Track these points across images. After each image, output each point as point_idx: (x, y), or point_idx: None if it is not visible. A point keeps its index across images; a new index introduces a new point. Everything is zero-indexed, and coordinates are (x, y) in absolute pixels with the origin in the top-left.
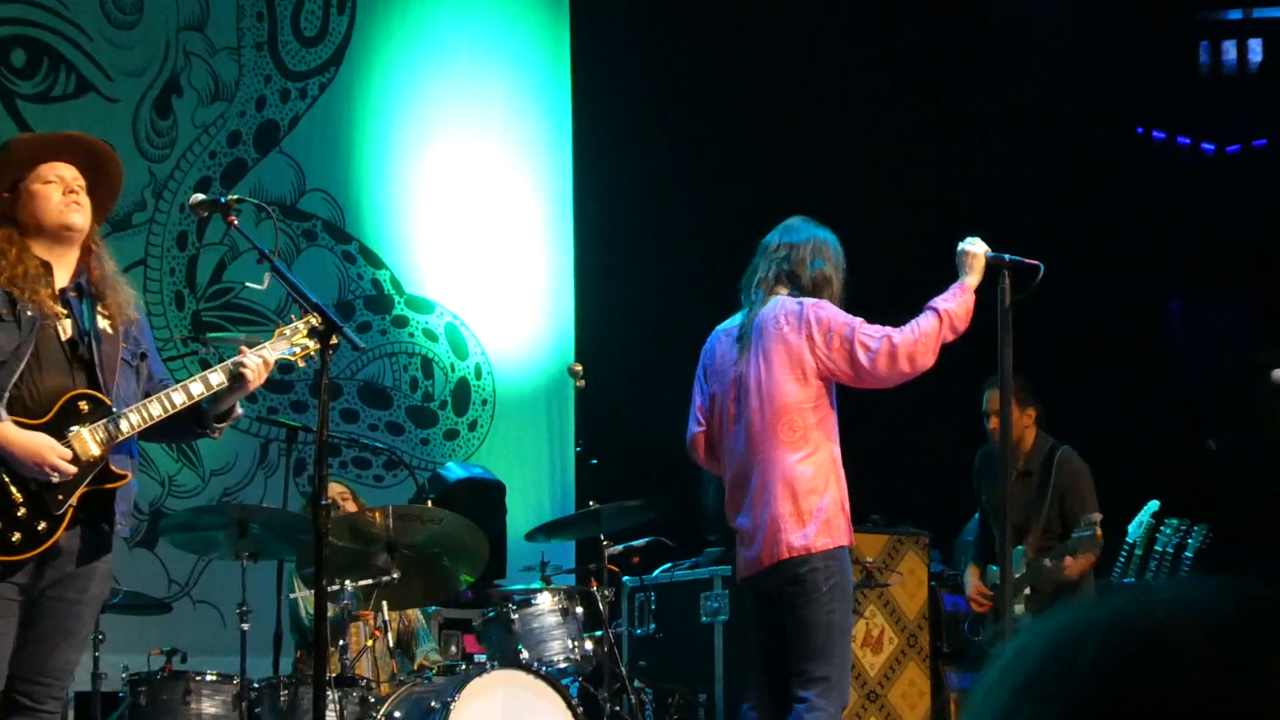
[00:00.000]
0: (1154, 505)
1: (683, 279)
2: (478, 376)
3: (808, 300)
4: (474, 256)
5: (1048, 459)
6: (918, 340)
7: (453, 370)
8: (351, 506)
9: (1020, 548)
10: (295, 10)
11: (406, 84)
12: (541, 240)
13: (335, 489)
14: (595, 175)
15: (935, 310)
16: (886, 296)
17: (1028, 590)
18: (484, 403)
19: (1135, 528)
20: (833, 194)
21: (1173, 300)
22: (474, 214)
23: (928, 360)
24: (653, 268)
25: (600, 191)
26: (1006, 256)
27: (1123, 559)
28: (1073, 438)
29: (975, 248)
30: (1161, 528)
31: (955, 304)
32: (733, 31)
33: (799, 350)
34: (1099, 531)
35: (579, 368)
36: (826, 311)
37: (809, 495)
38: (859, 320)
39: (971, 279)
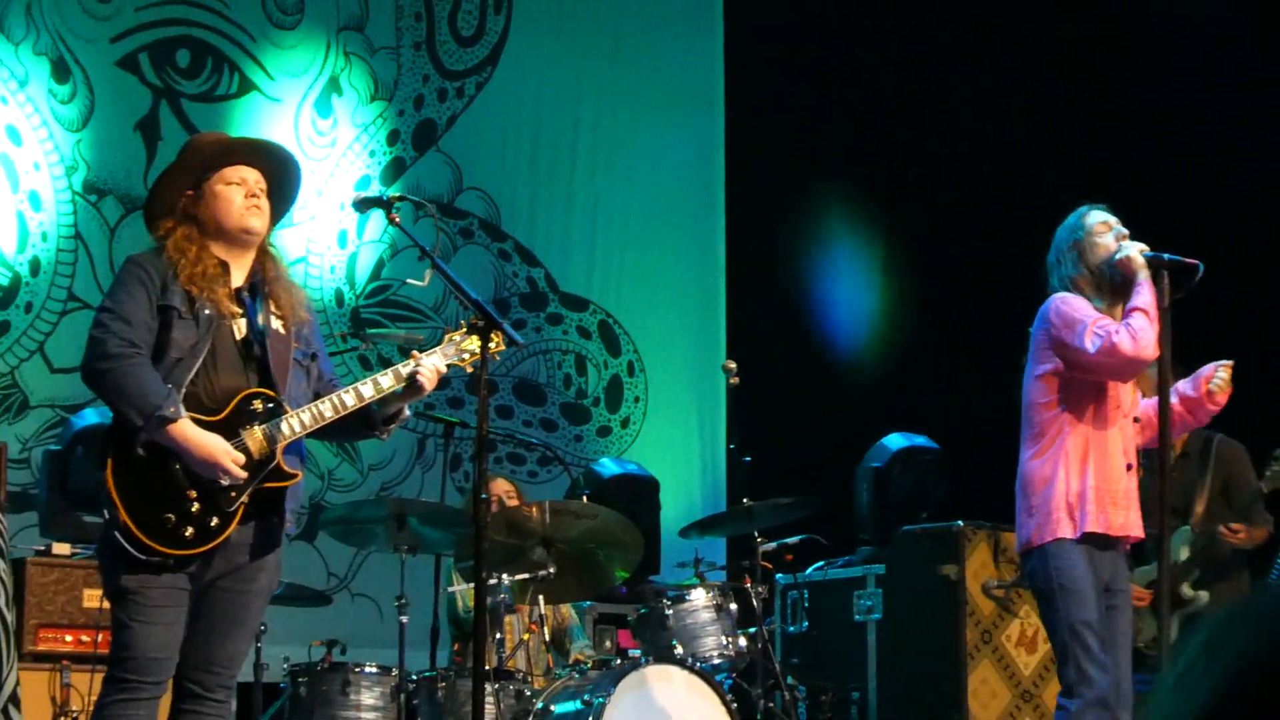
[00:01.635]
0: None
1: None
2: (630, 374)
3: (1057, 295)
4: (626, 254)
5: (1205, 445)
6: (1137, 330)
7: (606, 367)
8: (517, 504)
9: (1184, 528)
10: (453, 10)
11: (561, 83)
12: (693, 236)
13: (501, 486)
14: (746, 169)
15: (1132, 310)
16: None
17: (1196, 573)
18: (636, 400)
19: None
20: (984, 196)
21: None
22: (626, 211)
23: (1147, 342)
24: (804, 265)
25: (751, 186)
26: (1165, 256)
27: (1277, 566)
28: (1228, 431)
29: (1131, 251)
30: None
31: (1146, 295)
32: (883, 29)
33: (1037, 345)
34: None
35: (733, 365)
36: (1065, 306)
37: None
38: (1093, 318)
39: (1143, 276)
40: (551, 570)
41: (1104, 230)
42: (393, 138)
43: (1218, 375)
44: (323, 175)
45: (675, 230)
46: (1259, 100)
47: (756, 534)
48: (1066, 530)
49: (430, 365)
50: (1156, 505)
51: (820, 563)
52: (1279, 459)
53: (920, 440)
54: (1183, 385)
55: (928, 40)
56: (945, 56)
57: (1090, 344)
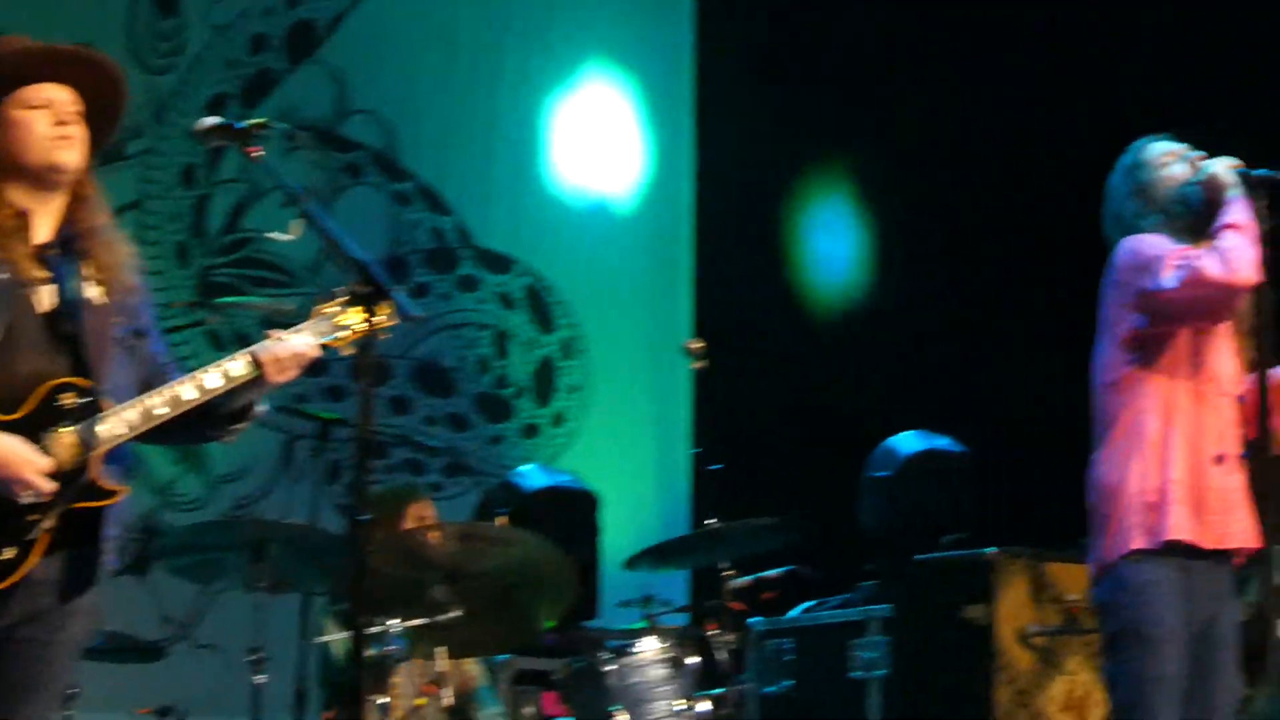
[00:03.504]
0: None
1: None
2: (566, 355)
3: (1126, 239)
4: (564, 199)
5: None
6: (1229, 249)
7: (534, 347)
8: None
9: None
10: None
11: None
12: (652, 184)
13: (421, 509)
14: (724, 97)
15: (1222, 228)
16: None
17: None
18: (573, 390)
19: None
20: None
21: None
22: (566, 148)
23: (1244, 263)
24: (791, 216)
25: (729, 117)
26: (1259, 172)
27: None
28: None
29: (1217, 167)
30: None
31: (1240, 210)
32: None
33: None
34: None
35: (698, 345)
36: (1138, 244)
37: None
38: (1173, 250)
39: (1235, 193)
40: (457, 613)
41: (1170, 159)
42: (258, 43)
43: None
44: (163, 93)
45: (630, 173)
46: None
47: (726, 565)
48: (1141, 539)
49: (294, 345)
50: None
51: (809, 602)
52: None
53: (941, 442)
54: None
55: None
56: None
57: (1170, 279)
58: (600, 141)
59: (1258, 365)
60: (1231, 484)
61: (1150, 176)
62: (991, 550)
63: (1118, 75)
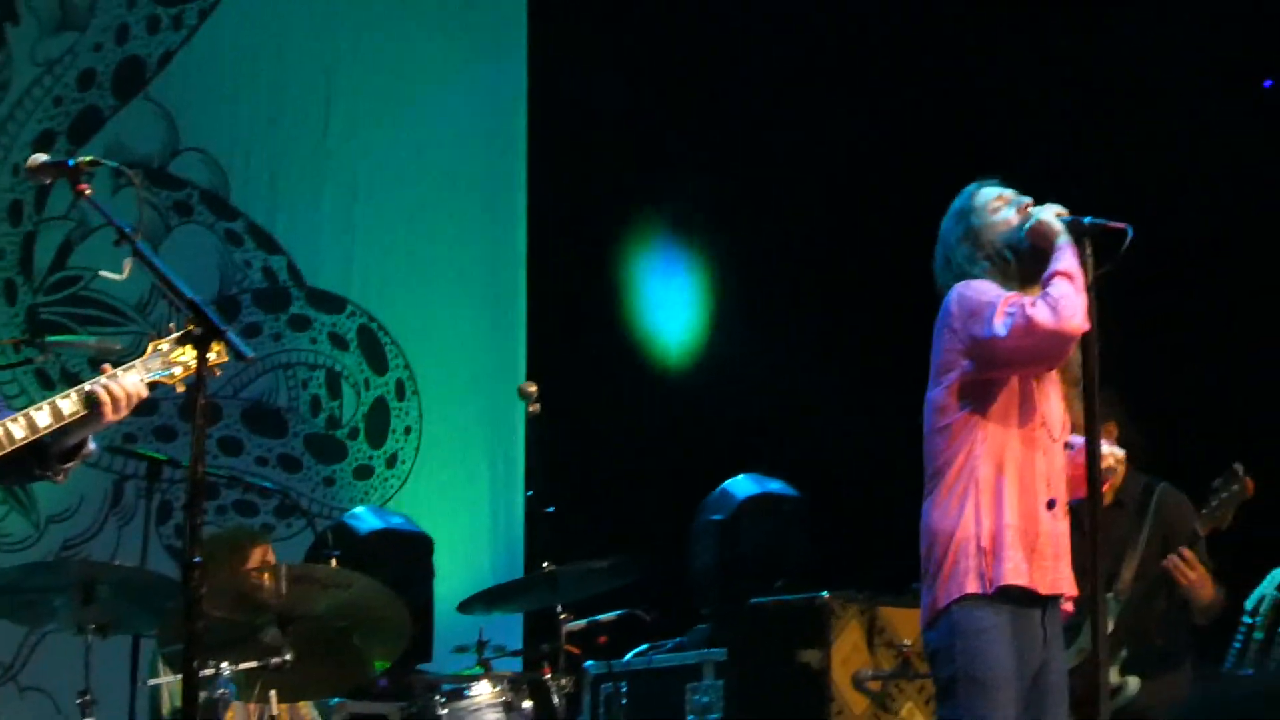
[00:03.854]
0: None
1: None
2: (400, 397)
3: (957, 284)
4: (396, 239)
5: (1144, 493)
6: (1059, 298)
7: (367, 388)
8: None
9: (1108, 596)
10: None
11: (314, 14)
12: (485, 219)
13: (262, 553)
14: (556, 136)
15: (1051, 275)
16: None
17: (1123, 652)
18: (407, 431)
19: (1255, 603)
20: (868, 164)
21: None
22: (397, 184)
23: (1072, 311)
24: (628, 262)
25: (562, 160)
26: (1086, 220)
27: (1239, 643)
28: (1169, 475)
29: (1045, 214)
30: None
31: (1068, 258)
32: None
33: (936, 354)
34: (1248, 481)
35: (533, 388)
36: (968, 291)
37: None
38: (1003, 297)
39: (1063, 240)
40: (288, 657)
41: (1000, 204)
42: (86, 80)
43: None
44: None
45: (462, 211)
46: (1215, 48)
47: (561, 609)
48: (975, 584)
49: (127, 383)
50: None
51: (644, 646)
52: (1219, 490)
53: (775, 486)
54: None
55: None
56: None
57: (1001, 326)
58: (427, 184)
59: (1086, 413)
60: (1061, 530)
61: (980, 222)
62: (826, 594)
63: (945, 120)
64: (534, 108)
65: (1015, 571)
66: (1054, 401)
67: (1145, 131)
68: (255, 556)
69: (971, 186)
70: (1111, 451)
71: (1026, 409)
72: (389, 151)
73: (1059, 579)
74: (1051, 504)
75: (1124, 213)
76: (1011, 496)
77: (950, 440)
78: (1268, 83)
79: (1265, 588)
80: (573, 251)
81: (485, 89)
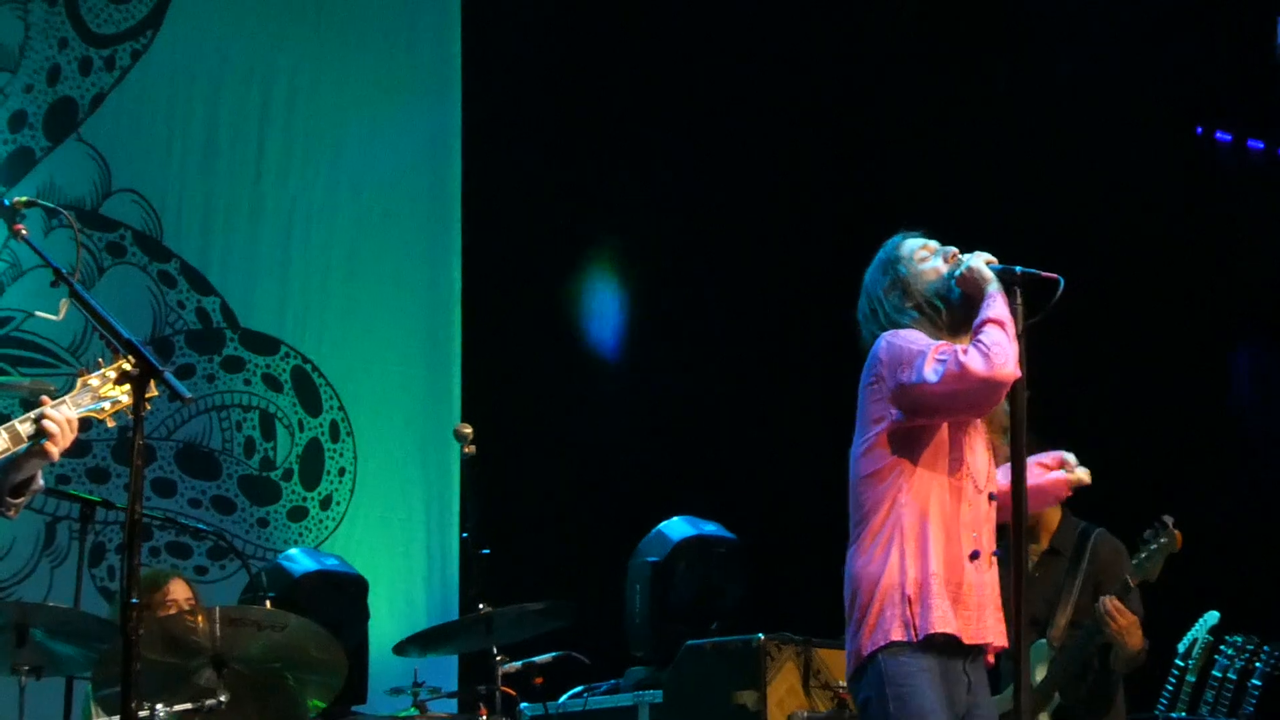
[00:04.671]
0: (1212, 618)
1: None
2: (334, 438)
3: (885, 333)
4: (330, 281)
5: (1081, 540)
6: (991, 345)
7: (301, 429)
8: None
9: (1042, 641)
10: None
11: (246, 56)
12: (419, 260)
13: (179, 590)
14: (491, 174)
15: (984, 323)
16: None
17: (1056, 698)
18: (341, 472)
19: (1188, 646)
20: (810, 212)
21: (1240, 349)
22: (331, 226)
23: (1005, 358)
24: (563, 301)
25: (497, 197)
26: (1017, 269)
27: (1170, 687)
28: (1103, 521)
29: (975, 262)
30: (1222, 647)
31: (999, 306)
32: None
33: (863, 405)
34: (1177, 534)
35: (468, 429)
36: (896, 339)
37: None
38: (933, 345)
39: (994, 287)
40: (223, 699)
41: (927, 254)
42: (17, 121)
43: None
44: None
45: (396, 252)
46: (1149, 95)
47: (496, 650)
48: (901, 632)
49: (61, 416)
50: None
51: (579, 688)
52: (1149, 541)
53: (711, 529)
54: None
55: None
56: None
57: (932, 373)
58: (361, 226)
59: (1013, 462)
60: (988, 580)
61: (908, 271)
62: (761, 636)
63: (872, 167)
64: (469, 149)
65: (943, 620)
66: (980, 452)
67: (1070, 179)
68: (172, 591)
69: (896, 238)
70: (1076, 466)
71: (953, 459)
72: (323, 192)
73: (983, 629)
74: (975, 555)
75: (1048, 262)
76: (937, 545)
77: (876, 487)
78: (1199, 129)
79: (1197, 631)
80: (508, 292)
81: (420, 130)
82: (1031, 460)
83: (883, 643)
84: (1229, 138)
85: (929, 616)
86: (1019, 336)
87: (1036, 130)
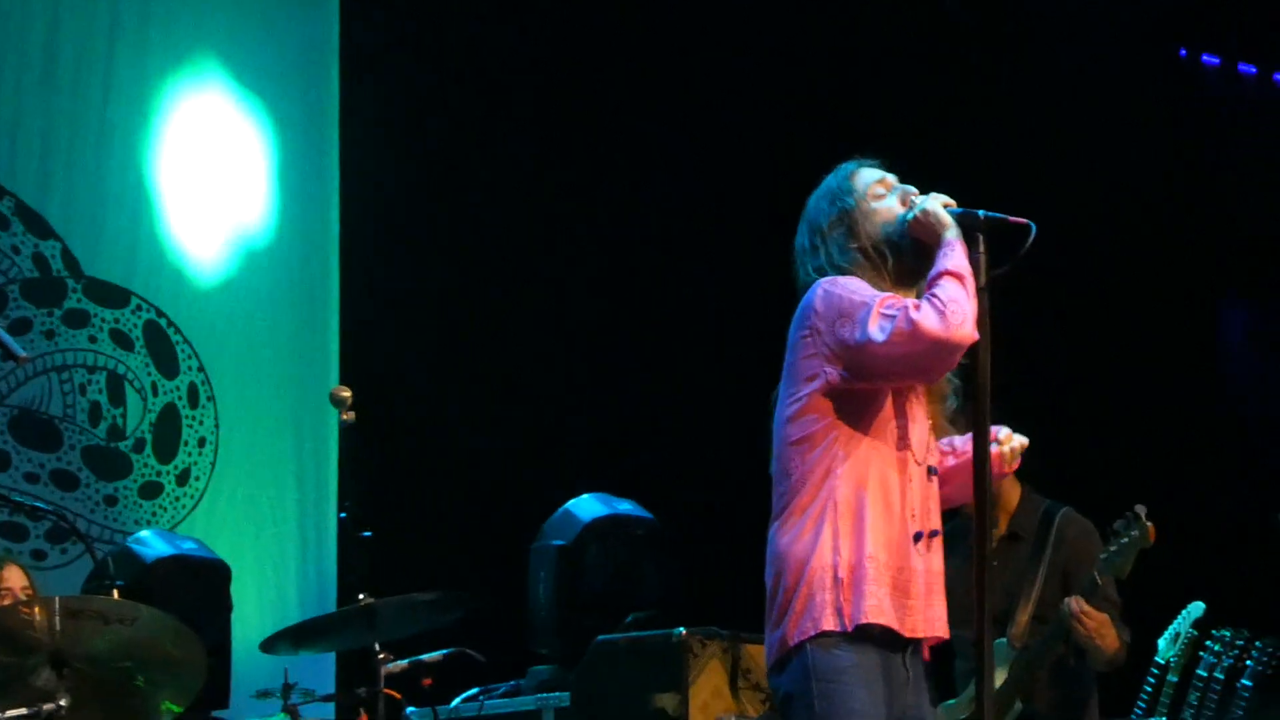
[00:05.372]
0: (1196, 610)
1: (496, 269)
2: (193, 404)
3: (822, 280)
4: (191, 228)
5: (1044, 522)
6: (947, 301)
7: (155, 393)
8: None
9: (1002, 640)
10: None
11: None
12: (294, 204)
13: (12, 577)
14: (370, 131)
15: (939, 275)
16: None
17: (1018, 706)
18: (201, 443)
19: (1169, 642)
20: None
21: (1230, 301)
22: (193, 166)
23: (963, 317)
24: (452, 256)
25: (379, 146)
26: (981, 213)
27: (1149, 689)
28: (1073, 501)
29: (932, 205)
30: (1208, 643)
31: (958, 256)
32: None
33: (794, 359)
34: (1150, 526)
35: (347, 393)
36: (836, 289)
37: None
38: (879, 298)
39: (952, 235)
40: (63, 704)
41: (883, 190)
42: None
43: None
44: None
45: (266, 198)
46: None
47: (379, 648)
48: (832, 621)
49: None
50: (967, 602)
51: (474, 690)
52: (1119, 534)
53: (625, 507)
54: (960, 441)
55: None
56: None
57: (878, 330)
58: (230, 162)
59: (976, 431)
60: (934, 566)
61: (857, 207)
62: (683, 630)
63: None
64: (347, 66)
65: (878, 609)
66: (921, 420)
67: (1039, 108)
68: (6, 579)
69: (850, 165)
70: (1013, 435)
71: (896, 426)
72: (185, 123)
73: (928, 620)
74: (918, 537)
75: (1014, 205)
76: (876, 524)
77: (806, 455)
78: (1183, 51)
79: (1180, 624)
80: (395, 234)
81: (293, 44)
82: (959, 438)
83: (812, 632)
84: (1217, 61)
85: (862, 604)
86: (980, 291)
87: (999, 53)
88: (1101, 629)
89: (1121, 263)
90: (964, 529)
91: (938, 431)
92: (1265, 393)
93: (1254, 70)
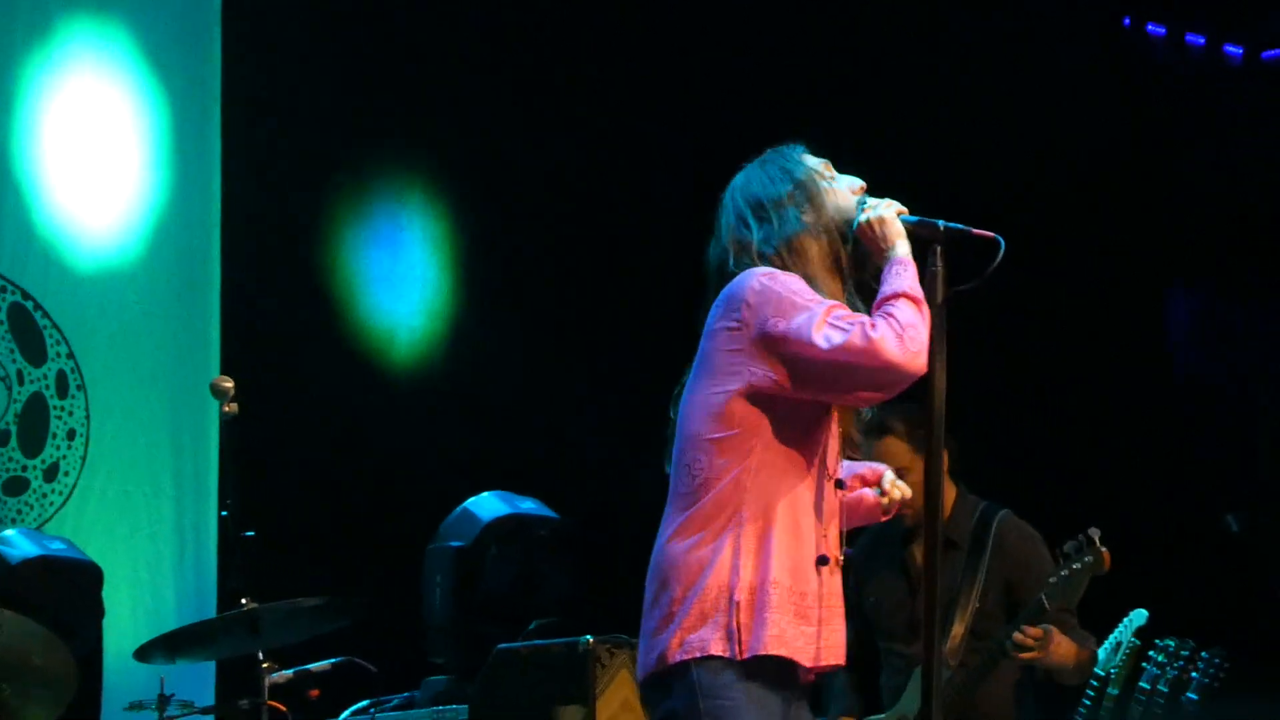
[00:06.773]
0: (1139, 617)
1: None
2: (62, 394)
3: (756, 271)
4: (63, 208)
5: (980, 527)
6: (906, 326)
7: (21, 382)
8: None
9: None
10: None
11: None
12: (173, 180)
13: None
14: (254, 102)
15: (895, 296)
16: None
17: None
18: (71, 436)
19: (1109, 653)
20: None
21: (1176, 290)
22: (66, 144)
23: (920, 346)
24: (350, 226)
25: (261, 119)
26: (941, 224)
27: (1089, 700)
28: (1012, 500)
29: (885, 212)
30: (1150, 653)
31: (912, 276)
32: None
33: (712, 350)
34: (1105, 553)
35: (229, 384)
36: (775, 284)
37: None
38: (826, 304)
39: (904, 250)
40: None
41: (830, 174)
42: None
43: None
44: None
45: (144, 161)
46: None
47: (263, 656)
48: (720, 646)
49: None
50: (898, 615)
51: (364, 702)
52: (1070, 559)
53: (529, 506)
54: (854, 472)
55: None
56: None
57: (823, 339)
58: (106, 139)
59: (927, 454)
60: (834, 588)
61: (814, 182)
62: (590, 639)
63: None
64: (230, 28)
65: (779, 640)
66: (835, 434)
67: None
68: None
69: (797, 147)
70: (896, 483)
71: (816, 439)
72: (50, 72)
73: (826, 648)
74: (823, 561)
75: (951, 187)
76: (783, 544)
77: (716, 458)
78: (1126, 20)
79: (1121, 634)
80: (277, 221)
81: (170, 42)
82: (852, 467)
83: (697, 654)
84: (1163, 31)
85: (761, 633)
86: (938, 308)
87: (931, 20)
88: (1052, 647)
89: (1063, 244)
90: (889, 536)
91: (844, 444)
92: (1212, 387)
93: (1202, 40)
